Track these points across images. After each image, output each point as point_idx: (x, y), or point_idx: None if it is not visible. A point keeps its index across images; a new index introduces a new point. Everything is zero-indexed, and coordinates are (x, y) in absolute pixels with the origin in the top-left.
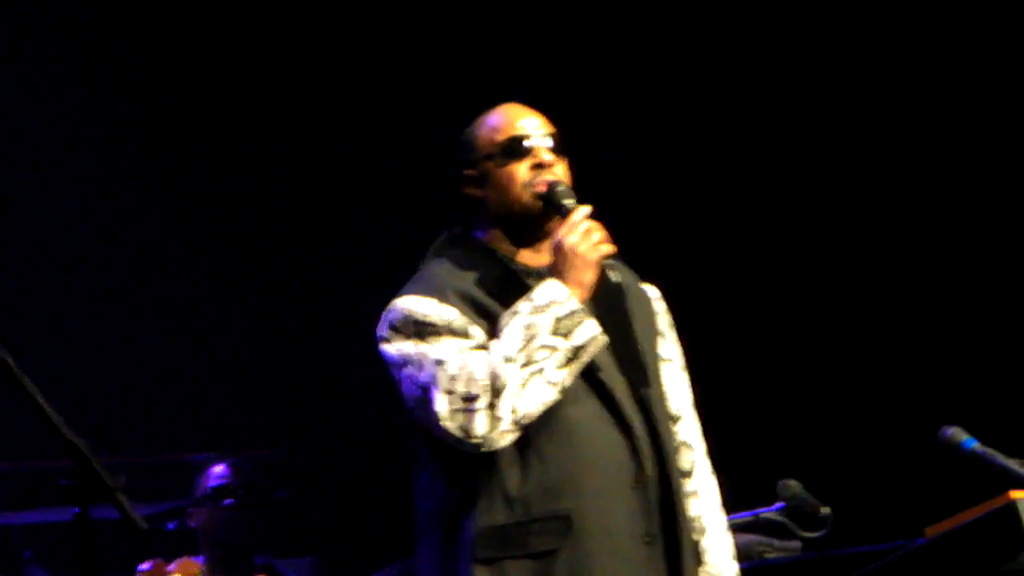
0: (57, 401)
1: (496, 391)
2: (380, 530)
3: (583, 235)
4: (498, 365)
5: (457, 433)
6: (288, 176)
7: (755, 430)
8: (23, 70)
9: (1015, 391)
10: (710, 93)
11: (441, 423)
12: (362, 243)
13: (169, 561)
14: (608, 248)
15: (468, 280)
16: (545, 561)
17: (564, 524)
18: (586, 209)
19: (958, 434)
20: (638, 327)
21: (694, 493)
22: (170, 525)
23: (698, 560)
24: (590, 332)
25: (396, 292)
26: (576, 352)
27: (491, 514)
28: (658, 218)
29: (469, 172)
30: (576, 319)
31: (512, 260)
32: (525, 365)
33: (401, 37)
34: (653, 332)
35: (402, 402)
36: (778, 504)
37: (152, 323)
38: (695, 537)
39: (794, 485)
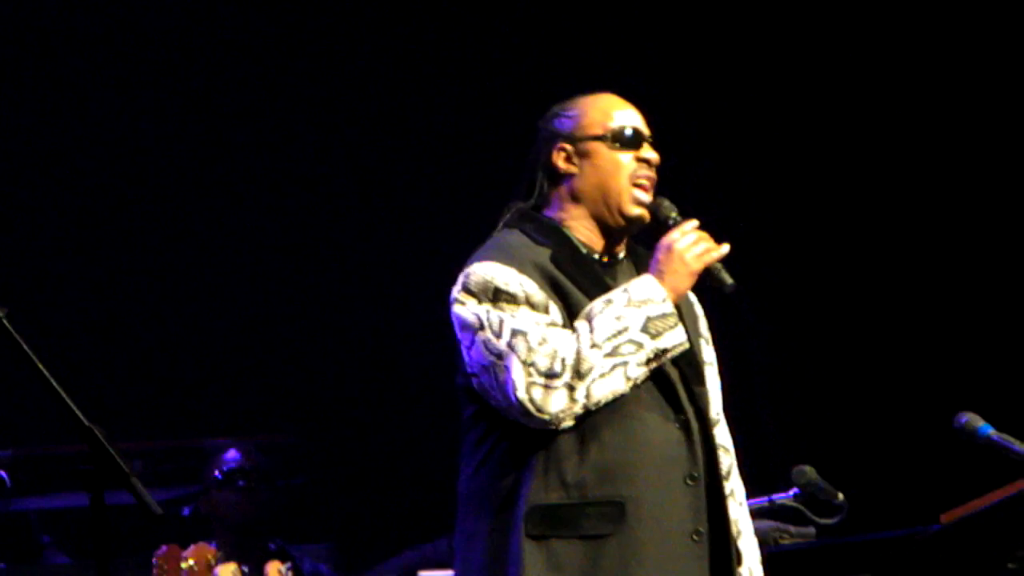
0: (73, 387)
1: (579, 374)
2: (396, 516)
3: (692, 243)
4: (584, 348)
5: (528, 406)
6: (303, 165)
7: (770, 416)
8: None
9: None
10: (720, 101)
11: (515, 392)
12: (377, 231)
13: (184, 546)
14: (719, 252)
15: (543, 256)
16: (595, 544)
17: (617, 510)
18: (695, 221)
19: (974, 420)
20: (690, 329)
21: (731, 495)
22: (185, 510)
23: (738, 561)
24: (678, 338)
25: (469, 258)
26: (660, 354)
27: (545, 493)
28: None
29: (565, 146)
30: (668, 322)
31: (583, 244)
32: (610, 355)
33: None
34: (698, 335)
35: (465, 366)
36: (793, 490)
37: (169, 308)
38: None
39: (809, 471)
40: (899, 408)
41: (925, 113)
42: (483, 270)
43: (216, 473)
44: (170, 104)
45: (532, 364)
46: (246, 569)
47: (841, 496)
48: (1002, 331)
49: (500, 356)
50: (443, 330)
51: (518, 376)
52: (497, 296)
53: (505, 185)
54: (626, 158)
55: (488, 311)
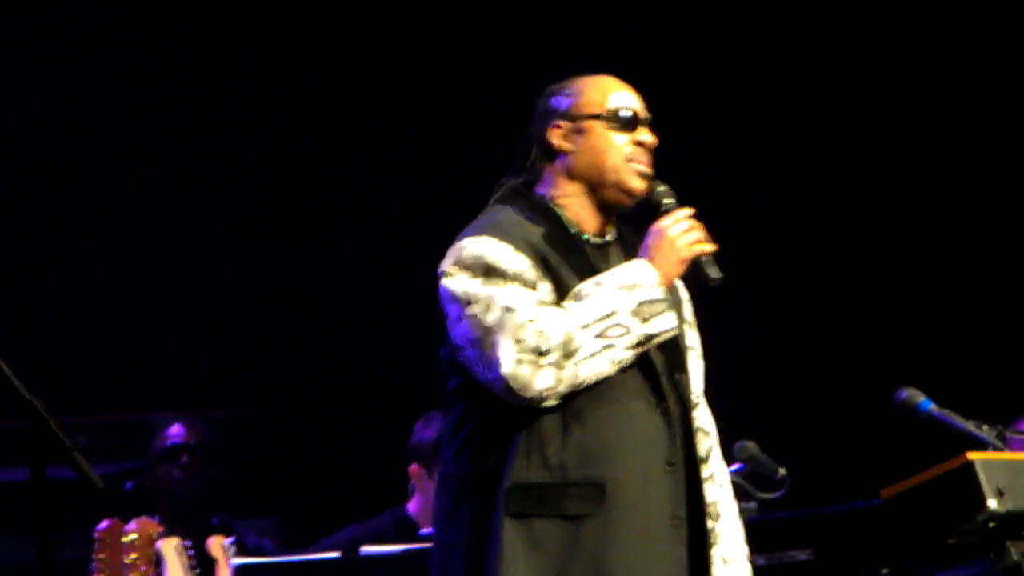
0: (14, 359)
1: (568, 353)
2: (340, 492)
3: (684, 231)
4: (574, 329)
5: (514, 383)
6: (253, 139)
7: (712, 392)
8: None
9: (971, 353)
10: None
11: (501, 369)
12: (324, 205)
13: (127, 521)
14: (707, 247)
15: (536, 234)
16: (574, 524)
17: (598, 491)
18: (689, 210)
19: (914, 396)
20: (677, 315)
21: (710, 478)
22: (128, 485)
23: (712, 544)
24: (667, 324)
25: (461, 233)
26: (648, 339)
27: (527, 472)
28: None
29: (562, 123)
30: (657, 307)
31: (573, 223)
32: (598, 337)
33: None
34: (682, 320)
35: (452, 340)
36: (735, 465)
37: (113, 281)
38: (710, 523)
39: (751, 447)
40: (839, 383)
41: (889, 103)
42: (476, 245)
43: (160, 448)
44: (133, 96)
45: (520, 341)
46: (189, 543)
47: (783, 471)
48: (943, 306)
49: (488, 331)
50: (389, 305)
51: (506, 352)
52: (489, 272)
53: (457, 163)
54: (622, 139)
55: (479, 286)
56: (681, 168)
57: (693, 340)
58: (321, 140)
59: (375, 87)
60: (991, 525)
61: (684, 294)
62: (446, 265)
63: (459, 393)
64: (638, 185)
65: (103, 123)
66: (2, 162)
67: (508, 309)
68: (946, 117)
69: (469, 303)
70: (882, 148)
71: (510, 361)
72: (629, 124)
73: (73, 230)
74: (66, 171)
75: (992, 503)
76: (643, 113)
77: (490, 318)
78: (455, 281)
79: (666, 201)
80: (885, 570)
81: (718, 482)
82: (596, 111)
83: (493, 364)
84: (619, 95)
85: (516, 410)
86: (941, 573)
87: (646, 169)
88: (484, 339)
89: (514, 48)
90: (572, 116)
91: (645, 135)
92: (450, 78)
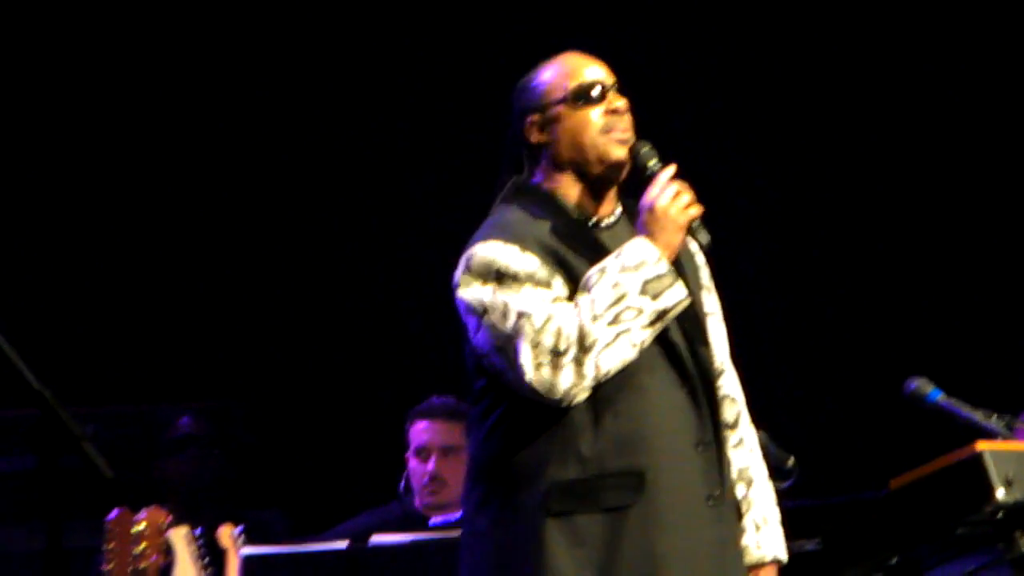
0: (23, 350)
1: (585, 347)
2: (347, 481)
3: (673, 197)
4: (587, 322)
5: (540, 387)
6: (264, 134)
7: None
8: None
9: (981, 342)
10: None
11: (524, 375)
12: (326, 194)
13: (136, 511)
14: (696, 210)
15: (543, 229)
16: (617, 516)
17: (637, 480)
18: (672, 170)
19: (923, 386)
20: (692, 283)
21: (740, 443)
22: (137, 475)
23: (739, 515)
24: (678, 296)
25: (471, 239)
26: (662, 314)
27: (564, 469)
28: None
29: (534, 117)
30: (665, 282)
31: (575, 209)
32: (612, 323)
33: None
34: (699, 286)
35: (475, 348)
36: None
37: (120, 272)
38: (742, 488)
39: (760, 436)
40: (849, 373)
41: (911, 86)
42: (485, 251)
43: (168, 439)
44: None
45: (539, 344)
46: (198, 533)
47: (792, 461)
48: (953, 295)
49: (508, 339)
50: (396, 294)
51: (526, 358)
52: (500, 277)
53: (461, 156)
54: (594, 114)
55: (492, 293)
56: (695, 146)
57: (712, 305)
58: (326, 135)
59: (380, 80)
60: (1000, 515)
61: (700, 259)
62: (458, 275)
63: (484, 391)
64: (620, 153)
65: (110, 111)
66: (12, 151)
67: (523, 314)
68: (969, 102)
69: (485, 312)
70: (893, 137)
71: (531, 367)
72: (596, 97)
73: (82, 220)
74: (74, 160)
75: (1001, 493)
76: (608, 80)
77: (507, 325)
78: (469, 291)
79: (650, 164)
80: (893, 560)
81: (748, 447)
82: (561, 95)
83: (517, 372)
84: (580, 70)
85: (544, 405)
86: (949, 563)
87: (624, 135)
88: (506, 347)
89: (533, 39)
90: (542, 107)
91: (616, 101)
92: (455, 72)
